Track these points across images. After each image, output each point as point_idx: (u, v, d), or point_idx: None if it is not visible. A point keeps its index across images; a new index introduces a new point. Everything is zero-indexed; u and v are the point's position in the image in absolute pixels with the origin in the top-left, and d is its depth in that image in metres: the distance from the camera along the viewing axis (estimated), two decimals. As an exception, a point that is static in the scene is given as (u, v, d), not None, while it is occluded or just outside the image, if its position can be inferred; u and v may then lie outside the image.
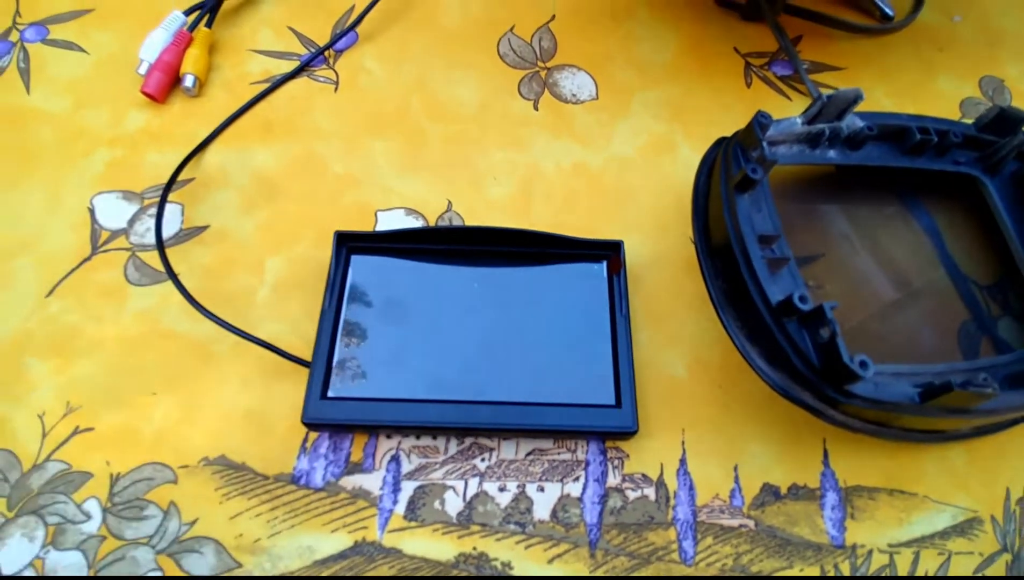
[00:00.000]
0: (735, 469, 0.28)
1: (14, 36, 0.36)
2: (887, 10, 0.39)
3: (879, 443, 0.28)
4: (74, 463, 0.27)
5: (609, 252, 0.30)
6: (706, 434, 0.28)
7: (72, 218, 0.32)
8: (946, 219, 0.32)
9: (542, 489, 0.27)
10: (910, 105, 0.37)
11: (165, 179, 0.31)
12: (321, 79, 0.36)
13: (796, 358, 0.23)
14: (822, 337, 0.22)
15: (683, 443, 0.28)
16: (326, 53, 0.36)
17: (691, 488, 0.27)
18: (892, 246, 0.31)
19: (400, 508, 0.26)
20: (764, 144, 0.25)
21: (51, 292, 0.30)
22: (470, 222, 0.32)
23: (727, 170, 0.26)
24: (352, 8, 0.38)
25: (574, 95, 0.36)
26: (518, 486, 0.27)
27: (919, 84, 0.38)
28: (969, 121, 0.31)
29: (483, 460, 0.27)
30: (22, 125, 0.34)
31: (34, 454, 0.27)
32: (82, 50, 0.36)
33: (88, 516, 0.26)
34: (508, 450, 0.28)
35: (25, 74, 0.35)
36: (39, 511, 0.26)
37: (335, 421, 0.26)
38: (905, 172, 0.31)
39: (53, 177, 0.33)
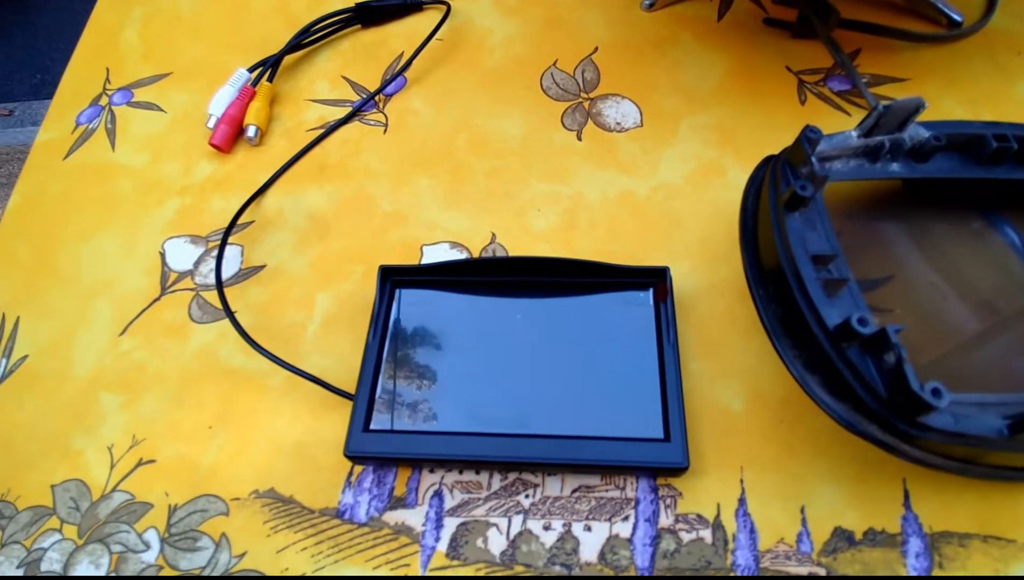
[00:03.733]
0: (802, 511, 0.25)
1: (103, 101, 0.40)
2: (954, 16, 0.36)
3: (968, 483, 0.25)
4: (137, 494, 0.28)
5: (655, 279, 0.29)
6: (768, 472, 0.26)
7: (145, 262, 0.34)
8: (1036, 234, 0.29)
9: (589, 528, 0.26)
10: (987, 113, 0.34)
11: (228, 223, 0.33)
12: (371, 122, 0.37)
13: (860, 388, 0.21)
14: (887, 363, 0.20)
15: (742, 482, 0.26)
16: (376, 98, 0.38)
17: (752, 531, 0.25)
18: (975, 267, 0.29)
19: (442, 546, 0.26)
20: (813, 159, 0.24)
21: (124, 331, 0.32)
22: (514, 254, 0.32)
23: (775, 189, 0.24)
24: (401, 55, 0.39)
25: (618, 124, 0.36)
26: (564, 525, 0.26)
27: (996, 91, 0.35)
28: (1056, 126, 0.28)
29: (527, 497, 0.26)
30: (107, 179, 0.37)
31: (102, 484, 0.28)
32: (161, 109, 0.39)
33: (148, 546, 0.27)
34: (553, 486, 0.27)
35: (112, 134, 0.39)
36: (105, 539, 0.27)
37: (376, 454, 0.26)
38: (984, 184, 0.28)
39: (131, 225, 0.35)
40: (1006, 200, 0.29)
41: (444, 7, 0.40)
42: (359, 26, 0.41)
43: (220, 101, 0.36)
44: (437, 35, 0.39)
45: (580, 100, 0.37)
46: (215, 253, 0.32)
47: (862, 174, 0.27)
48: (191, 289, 0.33)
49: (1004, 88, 0.35)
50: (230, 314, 0.30)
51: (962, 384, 0.26)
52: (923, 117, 0.27)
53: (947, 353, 0.27)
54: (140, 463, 0.29)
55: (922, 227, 0.29)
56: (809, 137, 0.24)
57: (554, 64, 0.38)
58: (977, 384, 0.26)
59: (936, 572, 0.24)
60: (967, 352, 0.27)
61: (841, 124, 0.34)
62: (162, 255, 0.34)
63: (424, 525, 0.26)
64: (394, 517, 0.26)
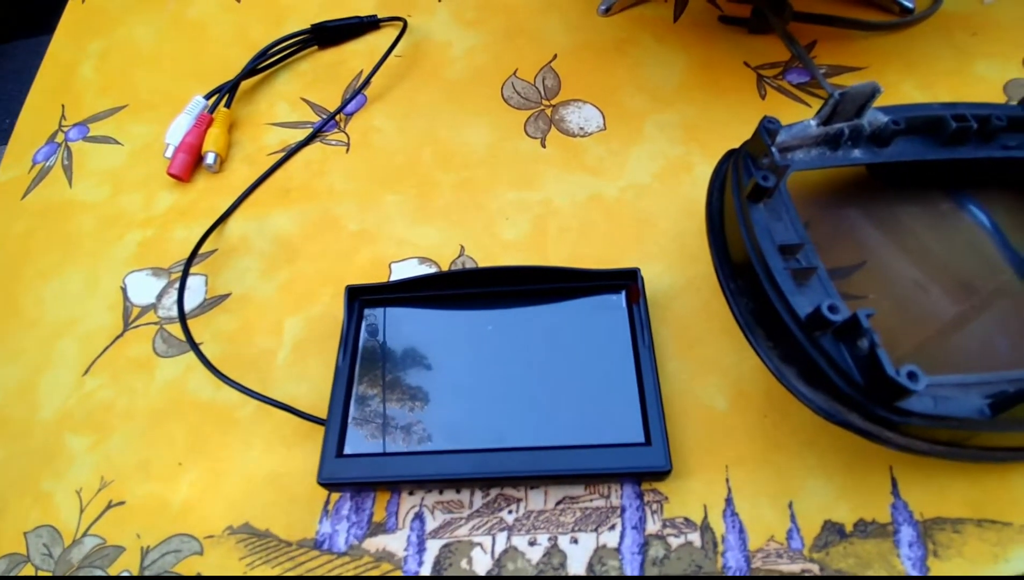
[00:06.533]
0: (790, 506, 0.25)
1: (59, 137, 0.39)
2: (906, 3, 0.37)
3: (957, 467, 0.25)
4: (108, 537, 0.27)
5: (626, 281, 0.28)
6: (754, 470, 0.26)
7: (108, 298, 0.33)
8: (1004, 211, 0.29)
9: (576, 541, 0.25)
10: (946, 95, 0.34)
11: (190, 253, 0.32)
12: (333, 142, 0.37)
13: (836, 376, 0.21)
14: (861, 349, 0.20)
15: (728, 481, 0.25)
16: (337, 117, 0.37)
17: (741, 531, 0.25)
18: (947, 248, 0.28)
19: (426, 570, 0.25)
20: (773, 149, 0.23)
21: (87, 370, 0.31)
22: (484, 265, 0.32)
23: (738, 181, 0.24)
24: (360, 73, 0.39)
25: (582, 128, 0.35)
26: (549, 539, 0.25)
27: (954, 72, 0.35)
28: (1015, 103, 0.29)
29: (510, 512, 0.26)
30: (66, 216, 0.36)
31: (73, 529, 0.27)
32: (117, 142, 0.39)
33: (121, 592, 0.26)
34: (536, 500, 0.26)
35: (68, 170, 0.38)
36: (77, 588, 0.26)
37: (351, 479, 0.25)
38: (948, 165, 0.28)
39: (92, 261, 0.34)
40: (971, 179, 0.29)
41: (400, 23, 0.39)
42: (316, 47, 0.41)
43: (177, 130, 0.36)
44: (396, 51, 0.39)
45: (542, 107, 0.37)
46: (178, 284, 0.31)
47: (824, 162, 0.26)
48: (155, 323, 0.32)
49: (962, 68, 0.35)
50: (194, 345, 0.29)
51: (944, 366, 0.26)
52: (883, 102, 0.27)
53: (927, 336, 0.27)
54: (110, 505, 0.28)
55: (890, 211, 0.29)
56: (768, 128, 0.24)
57: (514, 73, 0.38)
58: (959, 365, 0.26)
59: (931, 560, 0.23)
60: (947, 334, 0.27)
61: (802, 116, 0.34)
62: (123, 290, 0.33)
63: (406, 549, 0.25)
64: (375, 543, 0.26)
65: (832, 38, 0.37)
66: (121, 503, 0.28)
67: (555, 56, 0.38)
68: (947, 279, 0.28)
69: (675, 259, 0.31)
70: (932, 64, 0.35)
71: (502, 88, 0.38)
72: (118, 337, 0.32)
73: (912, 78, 0.35)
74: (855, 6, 0.38)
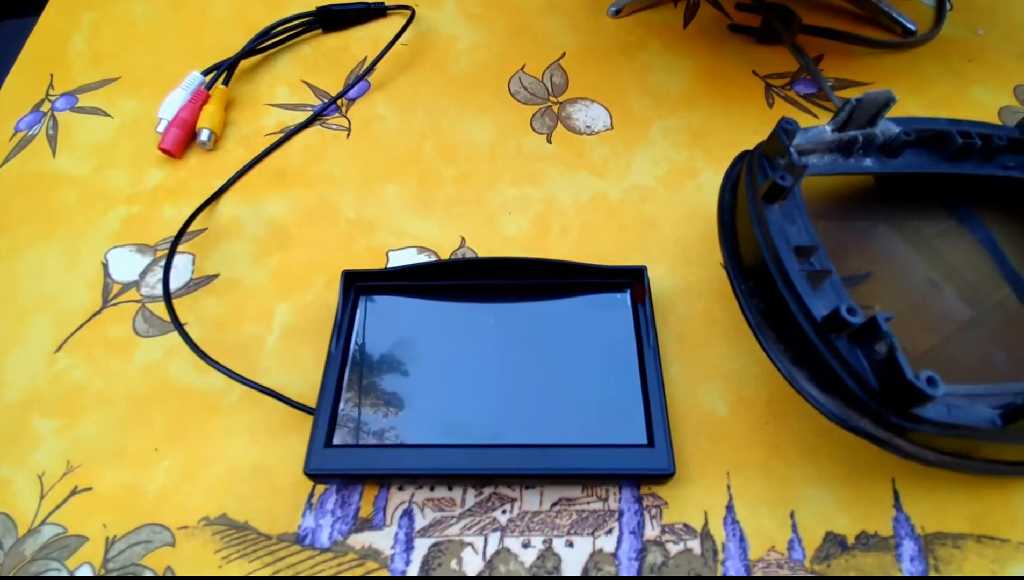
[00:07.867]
0: (791, 516, 0.24)
1: (45, 107, 0.38)
2: (908, 25, 0.37)
3: (958, 481, 0.24)
4: (70, 526, 0.25)
5: (632, 280, 0.28)
6: (755, 477, 0.25)
7: (88, 275, 0.31)
8: (1003, 229, 0.29)
9: (571, 544, 0.24)
10: (946, 115, 0.34)
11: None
12: (334, 127, 0.36)
13: (850, 380, 0.20)
14: (878, 353, 0.19)
15: (728, 488, 0.25)
16: (339, 102, 0.36)
17: (742, 539, 0.24)
18: (948, 262, 0.29)
19: (413, 569, 0.24)
20: (791, 149, 0.23)
21: (59, 348, 0.29)
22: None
23: (753, 182, 0.24)
24: (364, 60, 0.38)
25: (588, 127, 0.35)
26: (544, 541, 0.24)
27: (953, 94, 0.36)
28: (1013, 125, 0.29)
29: (504, 512, 0.25)
30: (48, 188, 0.35)
31: (31, 518, 0.25)
32: (107, 115, 0.37)
33: (81, 584, 0.24)
34: (531, 500, 0.25)
35: (52, 140, 0.36)
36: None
37: (339, 471, 0.24)
38: (952, 180, 0.28)
39: (73, 236, 0.33)
40: (973, 197, 0.29)
41: (408, 12, 0.39)
42: (320, 31, 0.40)
43: (171, 104, 0.34)
44: (401, 40, 0.38)
45: (549, 104, 0.36)
46: (163, 262, 0.30)
47: (836, 169, 0.26)
48: (136, 301, 0.30)
49: (961, 91, 0.36)
50: (178, 325, 0.28)
51: (945, 375, 0.26)
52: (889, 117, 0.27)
53: (928, 347, 0.26)
54: (75, 491, 0.26)
55: (896, 225, 0.29)
56: (786, 128, 0.24)
57: (522, 68, 0.38)
58: (957, 378, 0.26)
59: (932, 575, 0.23)
60: (946, 347, 0.27)
61: (810, 125, 0.34)
62: (104, 265, 0.31)
63: (393, 547, 0.24)
64: (360, 540, 0.24)
65: (838, 53, 0.37)
66: (88, 489, 0.26)
67: (564, 54, 0.38)
68: (947, 293, 0.28)
69: (677, 263, 0.31)
70: (932, 85, 0.36)
71: (509, 82, 0.37)
72: (95, 314, 0.30)
73: (915, 97, 0.35)
74: (860, 24, 0.38)
